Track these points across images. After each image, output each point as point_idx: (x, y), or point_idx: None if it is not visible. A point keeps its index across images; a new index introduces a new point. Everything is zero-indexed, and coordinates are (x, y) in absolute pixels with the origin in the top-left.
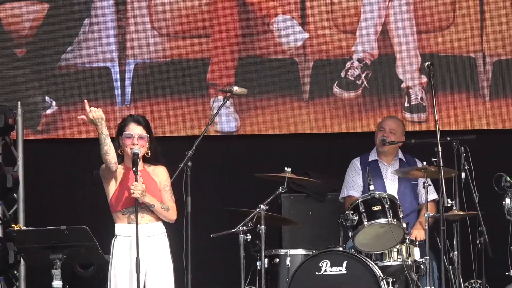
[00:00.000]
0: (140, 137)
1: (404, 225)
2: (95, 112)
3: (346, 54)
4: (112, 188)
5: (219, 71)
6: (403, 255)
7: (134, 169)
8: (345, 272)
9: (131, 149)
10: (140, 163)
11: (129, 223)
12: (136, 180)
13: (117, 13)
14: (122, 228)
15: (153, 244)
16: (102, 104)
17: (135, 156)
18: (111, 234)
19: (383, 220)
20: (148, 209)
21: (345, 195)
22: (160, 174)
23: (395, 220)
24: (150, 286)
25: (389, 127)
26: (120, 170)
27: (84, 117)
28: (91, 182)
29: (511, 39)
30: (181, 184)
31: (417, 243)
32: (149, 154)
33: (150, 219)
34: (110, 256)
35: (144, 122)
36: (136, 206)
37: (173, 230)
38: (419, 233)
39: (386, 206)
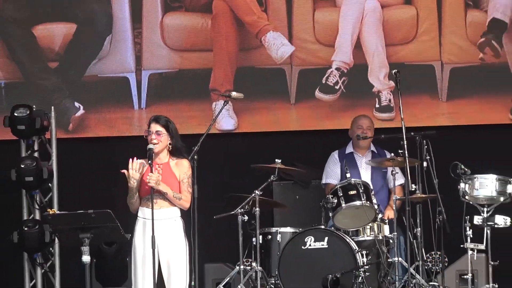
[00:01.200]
0: (157, 133)
1: (376, 207)
2: (133, 172)
3: (326, 63)
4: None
5: (220, 79)
6: (375, 231)
7: (150, 162)
8: (326, 246)
9: (148, 144)
10: (167, 156)
11: (146, 207)
12: (151, 172)
13: (134, 31)
14: (141, 212)
15: (163, 226)
16: (122, 107)
17: (150, 151)
18: (131, 217)
19: (358, 203)
20: (162, 196)
21: (324, 182)
22: (181, 167)
23: (368, 202)
24: (162, 261)
25: (366, 125)
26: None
27: (125, 171)
28: (111, 180)
29: (465, 50)
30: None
31: (387, 221)
32: (170, 148)
33: (162, 205)
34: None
35: (162, 120)
36: (152, 193)
37: (184, 214)
38: (391, 213)
39: (361, 191)
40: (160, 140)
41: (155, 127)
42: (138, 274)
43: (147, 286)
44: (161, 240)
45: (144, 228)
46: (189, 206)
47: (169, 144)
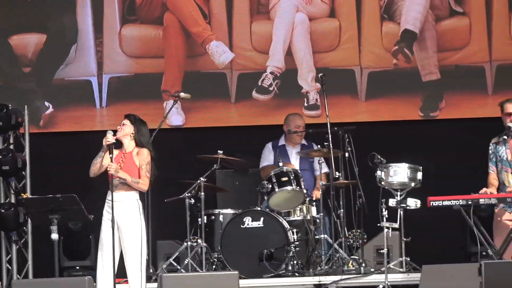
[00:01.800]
0: (123, 124)
1: (304, 191)
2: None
3: (262, 68)
4: None
5: (170, 81)
6: (304, 212)
7: (110, 155)
8: (262, 225)
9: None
10: (132, 146)
11: (110, 191)
12: (111, 161)
13: (96, 40)
14: (108, 195)
15: (121, 207)
16: (86, 106)
17: (108, 145)
18: (97, 199)
19: (289, 188)
20: (122, 182)
21: (261, 166)
22: (141, 155)
23: (298, 187)
24: (122, 237)
25: (299, 124)
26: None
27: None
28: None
29: (380, 56)
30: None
31: (314, 203)
32: (135, 139)
33: (121, 189)
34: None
35: (130, 116)
36: (112, 181)
37: (142, 197)
38: (318, 194)
39: (291, 177)
40: (121, 129)
41: (124, 121)
42: (103, 248)
43: (106, 259)
44: (120, 219)
45: (108, 209)
46: (147, 188)
47: (132, 134)
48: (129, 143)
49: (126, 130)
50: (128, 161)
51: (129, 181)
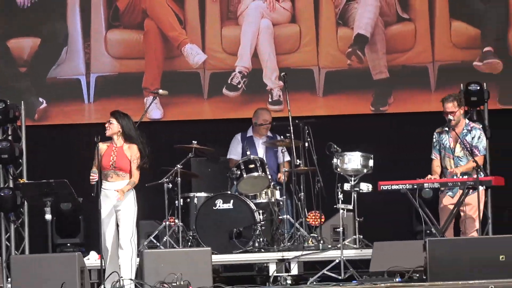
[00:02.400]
0: (109, 122)
1: (269, 177)
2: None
3: (231, 68)
4: None
5: (150, 80)
6: (269, 195)
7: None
8: (232, 207)
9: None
10: (121, 141)
11: (105, 181)
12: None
13: (84, 44)
14: (103, 184)
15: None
16: (75, 102)
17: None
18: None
19: (256, 174)
20: (116, 173)
21: (228, 157)
22: (132, 150)
23: (263, 173)
24: (119, 218)
25: (266, 119)
26: (103, 147)
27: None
28: (68, 156)
29: (336, 57)
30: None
31: (278, 187)
32: (123, 135)
33: (117, 179)
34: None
35: (115, 114)
36: (99, 179)
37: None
38: (282, 176)
39: (258, 165)
40: (109, 127)
41: (110, 119)
42: (104, 228)
43: (109, 235)
44: (118, 204)
45: (105, 197)
46: (138, 180)
47: (119, 132)
48: (118, 139)
49: (114, 129)
50: (119, 155)
51: (131, 187)
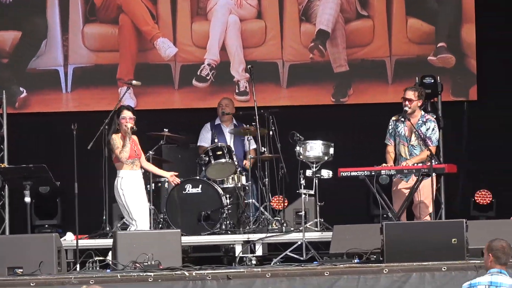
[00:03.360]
0: (130, 118)
1: (236, 163)
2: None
3: (200, 61)
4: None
5: (124, 71)
6: (235, 180)
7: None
8: (201, 191)
9: (125, 125)
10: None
11: (130, 169)
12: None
13: (63, 36)
14: (124, 172)
15: (140, 179)
16: (54, 91)
17: (132, 129)
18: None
19: (223, 160)
20: (138, 161)
21: (198, 144)
22: (136, 141)
23: (230, 160)
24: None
25: (225, 103)
26: (118, 139)
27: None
28: (47, 142)
29: (299, 51)
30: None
31: (244, 173)
32: (135, 128)
33: (138, 167)
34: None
35: (130, 108)
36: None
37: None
38: (247, 163)
39: (225, 152)
40: (133, 123)
41: (128, 113)
42: (135, 210)
43: (144, 214)
44: (142, 187)
45: (131, 182)
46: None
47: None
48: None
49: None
50: (135, 144)
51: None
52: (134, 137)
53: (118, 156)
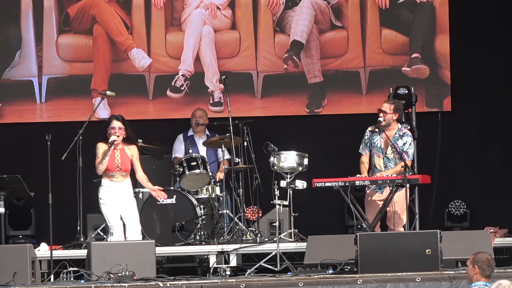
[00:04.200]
0: (119, 129)
1: (210, 174)
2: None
3: (175, 71)
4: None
5: (98, 82)
6: (209, 191)
7: (110, 146)
8: (175, 202)
9: (111, 136)
10: (121, 143)
11: (109, 180)
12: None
13: (37, 47)
14: (105, 182)
15: (123, 191)
16: (28, 102)
17: (112, 141)
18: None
19: (197, 171)
20: (121, 174)
21: (173, 156)
22: (132, 150)
23: (204, 170)
24: (124, 211)
25: (199, 114)
26: (104, 147)
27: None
28: (21, 152)
29: (273, 62)
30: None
31: (218, 184)
32: (125, 138)
33: (121, 180)
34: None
35: (121, 119)
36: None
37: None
38: (221, 175)
39: (199, 162)
40: (121, 134)
41: (117, 124)
42: (111, 219)
43: (118, 224)
44: (123, 200)
45: (108, 193)
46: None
47: (124, 135)
48: (120, 142)
49: (123, 134)
50: (123, 157)
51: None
52: (133, 149)
53: (95, 166)
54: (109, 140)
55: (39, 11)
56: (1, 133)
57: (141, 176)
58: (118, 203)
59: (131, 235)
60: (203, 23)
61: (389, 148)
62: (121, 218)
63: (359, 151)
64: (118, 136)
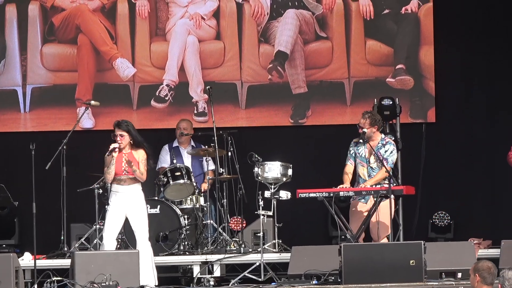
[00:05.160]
0: (121, 136)
1: (194, 184)
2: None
3: (159, 81)
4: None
5: (82, 91)
6: (193, 201)
7: (108, 155)
8: (159, 212)
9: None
10: (129, 148)
11: (117, 184)
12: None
13: (21, 56)
14: (114, 187)
15: (130, 196)
16: (12, 111)
17: (113, 148)
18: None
19: (181, 181)
20: (129, 178)
21: (159, 166)
22: (139, 153)
23: (189, 181)
24: (132, 218)
25: (183, 126)
26: (108, 158)
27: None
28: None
29: (258, 72)
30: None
31: (202, 194)
32: (132, 143)
33: (130, 183)
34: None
35: (123, 126)
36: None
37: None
38: (205, 186)
39: (184, 172)
40: (122, 140)
41: (118, 131)
42: (107, 225)
43: (111, 232)
44: (130, 206)
45: (116, 198)
46: (145, 178)
47: (130, 140)
48: (126, 147)
49: (126, 141)
50: (131, 158)
51: (137, 172)
52: (141, 152)
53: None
54: (110, 149)
55: (23, 20)
56: None
57: (140, 171)
58: (125, 208)
59: (139, 243)
60: (188, 33)
61: (372, 157)
62: (123, 225)
63: (346, 161)
64: (120, 143)
